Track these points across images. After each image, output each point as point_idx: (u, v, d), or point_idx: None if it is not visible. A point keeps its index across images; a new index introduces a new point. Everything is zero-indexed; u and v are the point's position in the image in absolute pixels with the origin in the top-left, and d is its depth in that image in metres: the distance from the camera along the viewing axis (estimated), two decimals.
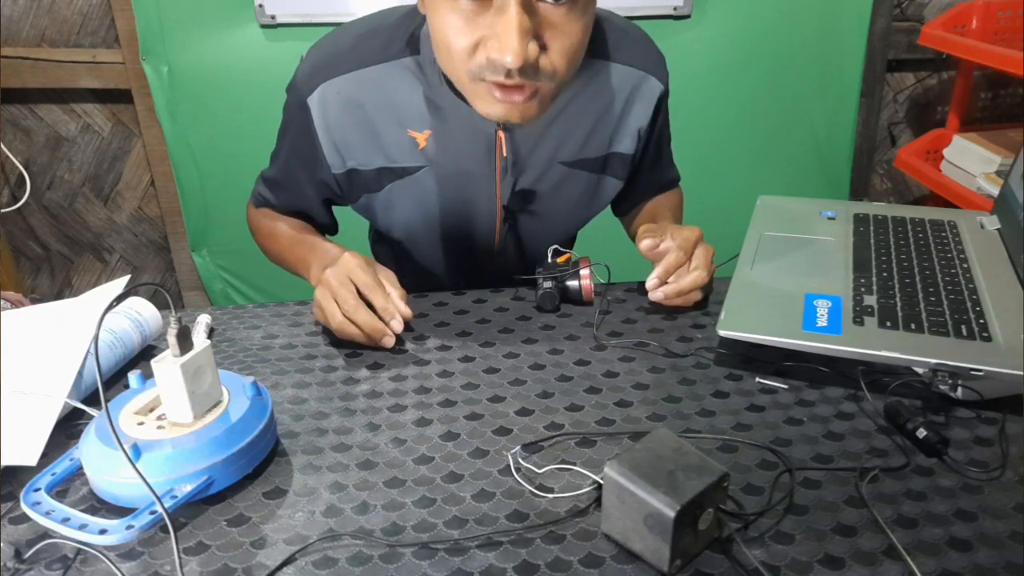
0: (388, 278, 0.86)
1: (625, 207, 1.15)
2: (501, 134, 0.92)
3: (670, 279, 0.90)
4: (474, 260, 1.08)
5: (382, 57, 0.91)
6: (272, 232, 1.04)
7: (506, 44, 0.73)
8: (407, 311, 0.83)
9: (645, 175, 1.09)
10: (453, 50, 0.78)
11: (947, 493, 0.64)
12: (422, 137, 0.93)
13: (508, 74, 0.76)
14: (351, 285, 0.83)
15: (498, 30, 0.74)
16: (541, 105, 0.82)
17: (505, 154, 0.94)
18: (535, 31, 0.75)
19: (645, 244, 0.91)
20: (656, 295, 0.90)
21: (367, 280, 0.83)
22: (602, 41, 0.95)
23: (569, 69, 0.80)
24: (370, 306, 0.83)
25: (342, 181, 0.97)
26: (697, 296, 0.91)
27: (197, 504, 0.63)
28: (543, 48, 0.77)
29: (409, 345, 0.86)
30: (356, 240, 1.05)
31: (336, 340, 0.87)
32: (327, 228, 1.09)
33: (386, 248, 1.17)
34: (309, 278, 0.92)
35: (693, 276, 0.89)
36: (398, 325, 0.82)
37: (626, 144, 1.01)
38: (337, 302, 0.82)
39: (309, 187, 1.00)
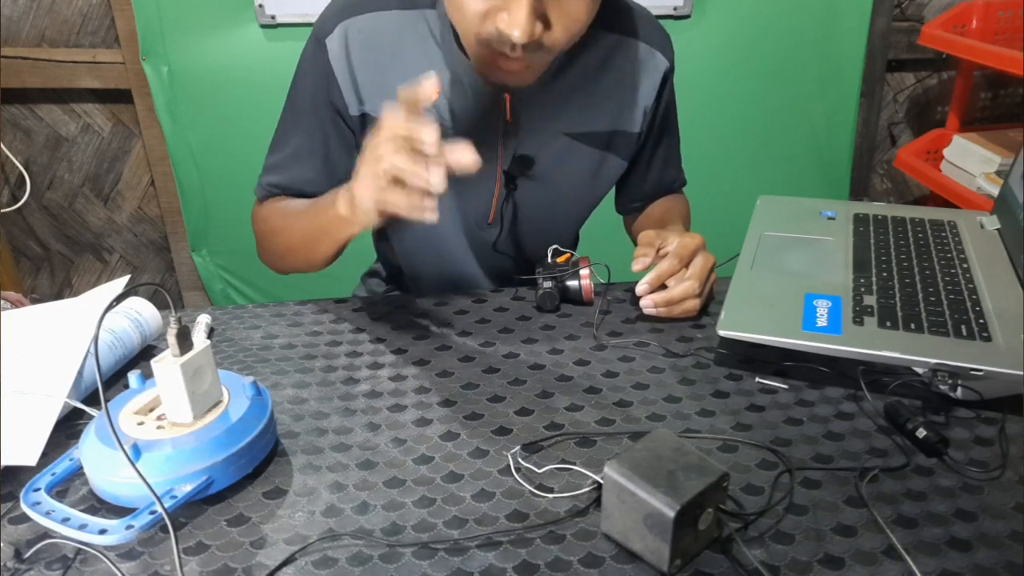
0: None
1: (628, 201, 1.14)
2: (507, 95, 0.92)
3: (668, 282, 0.88)
4: (472, 234, 1.05)
5: (402, 4, 0.92)
6: (285, 216, 0.96)
7: (515, 19, 0.76)
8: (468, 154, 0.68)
9: (649, 164, 1.08)
10: (466, 11, 0.80)
11: (947, 493, 0.64)
12: None
13: (512, 47, 0.79)
14: (394, 141, 0.69)
15: (510, 4, 0.76)
16: (534, 73, 0.86)
17: (509, 117, 0.94)
18: (542, 8, 0.77)
19: (637, 266, 0.88)
20: (644, 303, 0.88)
21: (409, 123, 0.68)
22: (610, 14, 0.95)
23: (568, 43, 0.83)
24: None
25: (356, 127, 0.96)
26: (689, 308, 0.88)
27: (197, 504, 0.63)
28: (547, 26, 0.79)
29: (409, 345, 0.86)
30: (358, 240, 1.05)
31: (336, 340, 0.87)
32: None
33: (388, 246, 1.17)
34: (341, 210, 0.79)
35: (684, 286, 0.87)
36: (465, 156, 0.67)
37: (632, 122, 1.01)
38: (379, 158, 0.69)
39: (330, 137, 0.95)
